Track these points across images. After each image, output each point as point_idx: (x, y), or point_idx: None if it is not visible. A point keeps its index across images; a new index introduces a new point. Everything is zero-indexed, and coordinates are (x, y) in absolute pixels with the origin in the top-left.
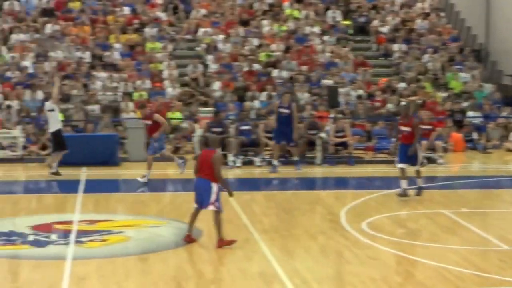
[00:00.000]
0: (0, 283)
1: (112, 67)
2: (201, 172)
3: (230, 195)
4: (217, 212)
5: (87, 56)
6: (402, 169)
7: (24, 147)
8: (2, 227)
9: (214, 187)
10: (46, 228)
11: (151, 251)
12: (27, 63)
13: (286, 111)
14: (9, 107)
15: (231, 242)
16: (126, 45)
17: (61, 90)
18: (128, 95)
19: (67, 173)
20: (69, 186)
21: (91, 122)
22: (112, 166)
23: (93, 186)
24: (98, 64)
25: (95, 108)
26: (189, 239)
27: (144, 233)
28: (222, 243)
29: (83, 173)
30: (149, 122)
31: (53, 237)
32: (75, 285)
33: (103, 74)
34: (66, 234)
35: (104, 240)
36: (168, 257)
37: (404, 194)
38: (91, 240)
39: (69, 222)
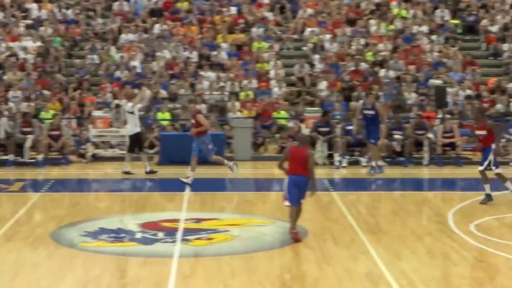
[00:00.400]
0: (108, 280)
1: (219, 66)
2: (296, 170)
3: (313, 193)
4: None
5: (194, 56)
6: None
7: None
8: (111, 225)
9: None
10: (153, 226)
11: (257, 250)
12: (136, 62)
13: (371, 112)
14: (117, 106)
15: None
16: (233, 45)
17: (144, 98)
18: (234, 94)
19: (174, 171)
20: (176, 185)
21: None
22: (218, 165)
23: (199, 185)
24: (205, 63)
25: (202, 108)
26: (295, 237)
27: (249, 232)
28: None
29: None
30: (193, 121)
31: (160, 235)
32: (181, 283)
33: (210, 74)
34: (172, 232)
35: (210, 239)
36: (274, 257)
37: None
38: (197, 239)
39: (175, 220)
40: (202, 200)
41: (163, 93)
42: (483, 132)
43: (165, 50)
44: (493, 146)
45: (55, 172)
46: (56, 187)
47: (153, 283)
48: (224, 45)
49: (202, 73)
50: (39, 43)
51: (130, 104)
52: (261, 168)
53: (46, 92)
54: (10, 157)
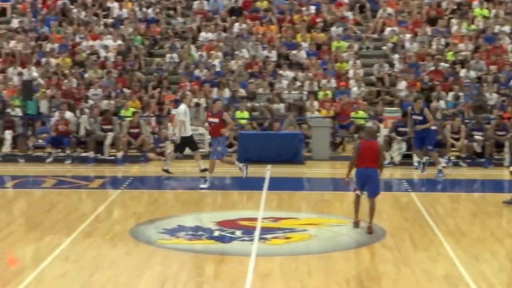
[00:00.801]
0: (186, 277)
1: (298, 66)
2: (367, 162)
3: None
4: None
5: (273, 55)
6: None
7: (210, 144)
8: (189, 222)
9: (379, 175)
10: (231, 224)
11: (334, 250)
12: (215, 61)
13: (419, 117)
14: (197, 105)
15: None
16: (312, 44)
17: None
18: (313, 94)
19: (252, 170)
20: (254, 183)
21: (277, 120)
22: (296, 164)
23: (277, 184)
24: (284, 63)
25: (280, 107)
26: (365, 229)
27: (327, 232)
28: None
29: (268, 171)
30: (216, 120)
31: (238, 233)
32: (259, 282)
33: (289, 73)
34: (250, 230)
35: (287, 238)
36: (351, 257)
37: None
38: (274, 237)
39: (253, 219)
40: (280, 199)
41: (242, 92)
42: None
43: (244, 49)
44: None
45: (134, 170)
46: (135, 184)
47: (230, 281)
48: (303, 44)
49: (281, 72)
50: (119, 42)
51: (182, 107)
52: (339, 168)
53: (126, 90)
54: (90, 154)
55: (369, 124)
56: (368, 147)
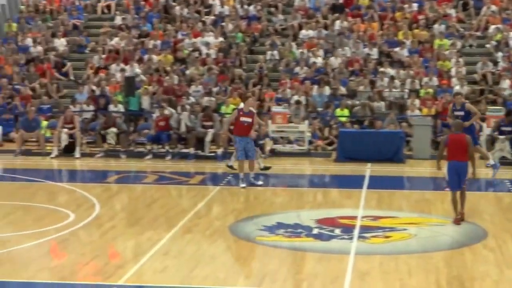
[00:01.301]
0: (285, 274)
1: (400, 63)
2: (457, 156)
3: (474, 176)
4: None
5: (374, 52)
6: None
7: (310, 142)
8: (288, 219)
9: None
10: (330, 222)
11: (434, 249)
12: (316, 59)
13: (461, 113)
14: (297, 102)
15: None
16: (414, 42)
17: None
18: (414, 92)
19: (352, 168)
20: (354, 182)
21: (378, 118)
22: (397, 163)
23: (377, 182)
24: (385, 60)
25: (381, 105)
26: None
27: (427, 232)
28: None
29: (368, 169)
30: (249, 119)
31: (337, 231)
32: (358, 280)
33: (390, 71)
34: (349, 229)
35: (387, 237)
36: (452, 257)
37: None
38: (374, 236)
39: (352, 217)
40: (379, 198)
41: (342, 89)
42: None
43: (345, 47)
44: None
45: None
46: (234, 181)
47: (330, 279)
48: (405, 41)
49: (382, 70)
50: (221, 39)
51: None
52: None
53: (226, 87)
54: (191, 150)
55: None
56: (456, 140)
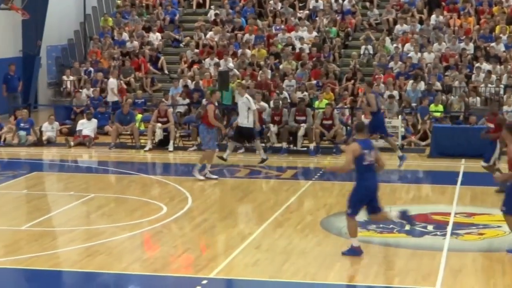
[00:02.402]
0: (376, 270)
1: (496, 58)
2: None
3: None
4: None
5: (470, 47)
6: None
7: (404, 137)
8: None
9: None
10: (423, 218)
11: None
12: (411, 53)
13: None
14: (391, 97)
15: None
16: (511, 37)
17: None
18: (510, 87)
19: (446, 164)
20: (447, 178)
21: (473, 114)
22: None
23: (471, 179)
24: (481, 55)
25: (476, 100)
26: None
27: None
28: None
29: (462, 165)
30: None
31: (430, 227)
32: (451, 277)
33: (486, 66)
34: (442, 225)
35: (481, 234)
36: None
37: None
38: (467, 233)
39: (446, 214)
40: (473, 195)
41: (437, 85)
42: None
43: (440, 41)
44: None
45: (327, 161)
46: (326, 175)
47: (422, 276)
48: (502, 36)
49: (477, 65)
50: (315, 33)
51: (246, 97)
52: None
53: (320, 81)
54: (284, 145)
55: None
56: None
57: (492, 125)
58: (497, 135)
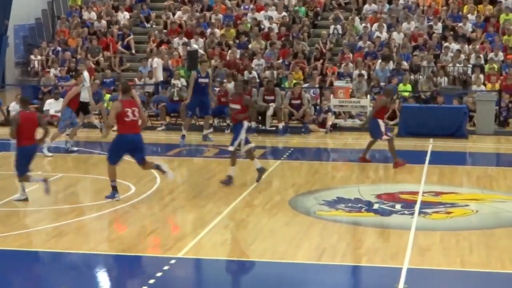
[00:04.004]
0: (344, 249)
1: (464, 38)
2: None
3: None
4: None
5: (438, 27)
6: None
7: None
8: (348, 194)
9: None
10: (391, 197)
11: (497, 226)
12: (379, 33)
13: None
14: (360, 75)
15: None
16: (479, 17)
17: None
18: (479, 67)
19: (414, 143)
20: (416, 157)
21: (440, 94)
22: (459, 139)
23: (439, 158)
24: (450, 35)
25: (444, 80)
26: None
27: (489, 208)
28: None
29: (430, 144)
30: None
31: (398, 206)
32: (418, 256)
33: (454, 46)
34: (410, 204)
35: (448, 213)
36: None
37: None
38: (435, 212)
39: (414, 193)
40: (441, 173)
41: (405, 64)
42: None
43: (409, 21)
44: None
45: (295, 141)
46: (295, 155)
47: (390, 255)
48: (470, 16)
49: (446, 44)
50: (284, 13)
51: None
52: (505, 143)
53: (288, 61)
54: (252, 124)
55: None
56: None
57: (237, 106)
58: (245, 115)
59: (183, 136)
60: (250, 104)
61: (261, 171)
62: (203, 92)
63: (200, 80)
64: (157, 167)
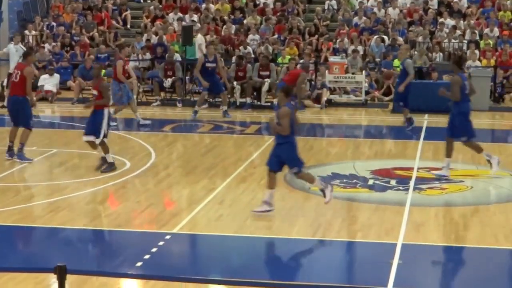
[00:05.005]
0: (339, 225)
1: (459, 14)
2: None
3: None
4: None
5: (434, 3)
6: None
7: (367, 92)
8: (343, 170)
9: None
10: (385, 173)
11: (491, 202)
12: (375, 9)
13: None
14: (354, 51)
15: None
16: None
17: None
18: (474, 43)
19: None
20: (411, 133)
21: (435, 70)
22: None
23: (434, 134)
24: (445, 11)
25: (438, 56)
26: None
27: (484, 184)
28: None
29: (425, 120)
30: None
31: (393, 182)
32: (413, 231)
33: (450, 21)
34: (405, 180)
35: (443, 189)
36: (509, 209)
37: None
38: (430, 188)
39: (409, 169)
40: (436, 149)
41: (400, 40)
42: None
43: None
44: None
45: None
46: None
47: (384, 230)
48: None
49: (441, 20)
50: None
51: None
52: (499, 119)
53: (284, 36)
54: (248, 99)
55: None
56: None
57: (96, 92)
58: (102, 102)
59: (195, 112)
60: (105, 91)
61: None
62: (212, 73)
63: (207, 64)
64: None
